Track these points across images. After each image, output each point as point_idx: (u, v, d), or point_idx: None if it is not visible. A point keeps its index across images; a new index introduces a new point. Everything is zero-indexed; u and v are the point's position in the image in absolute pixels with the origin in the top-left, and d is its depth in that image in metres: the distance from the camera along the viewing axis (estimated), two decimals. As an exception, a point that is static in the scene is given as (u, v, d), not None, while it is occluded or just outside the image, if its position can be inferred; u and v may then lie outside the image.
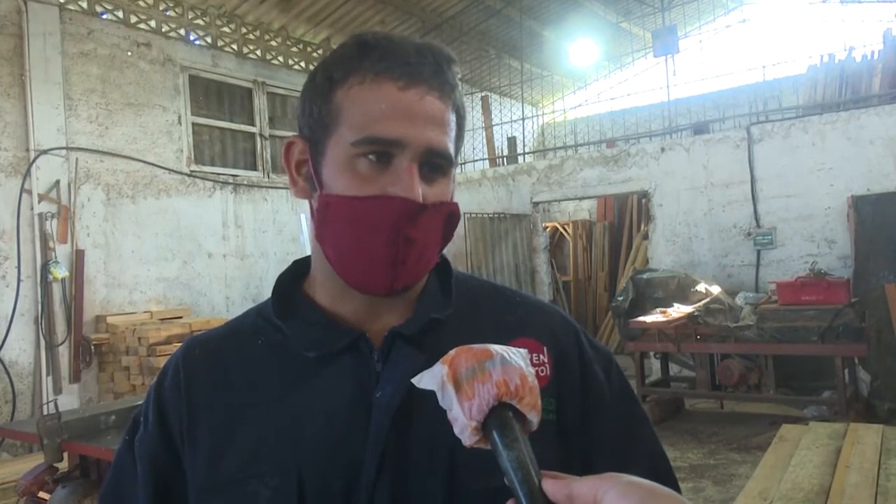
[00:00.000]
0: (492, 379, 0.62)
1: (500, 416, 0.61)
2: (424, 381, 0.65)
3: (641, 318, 6.62)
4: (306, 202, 0.87)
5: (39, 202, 6.47)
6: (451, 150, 0.83)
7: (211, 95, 8.31)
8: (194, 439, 0.83)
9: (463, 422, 0.62)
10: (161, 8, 7.78)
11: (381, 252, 0.78)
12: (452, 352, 0.65)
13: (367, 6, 9.46)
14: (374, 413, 0.78)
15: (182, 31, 7.98)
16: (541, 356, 0.86)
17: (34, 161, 6.43)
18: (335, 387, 0.81)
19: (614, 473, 0.59)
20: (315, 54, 9.49)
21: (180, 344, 0.95)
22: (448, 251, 0.91)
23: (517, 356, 0.65)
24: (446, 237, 0.84)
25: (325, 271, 0.85)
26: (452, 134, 0.83)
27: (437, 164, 0.80)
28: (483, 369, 0.62)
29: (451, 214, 0.83)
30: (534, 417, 0.63)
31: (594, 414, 0.87)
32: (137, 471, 0.87)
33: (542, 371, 0.85)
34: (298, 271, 0.93)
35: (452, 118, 0.83)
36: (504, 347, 0.66)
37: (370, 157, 0.78)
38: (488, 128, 11.02)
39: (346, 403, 0.80)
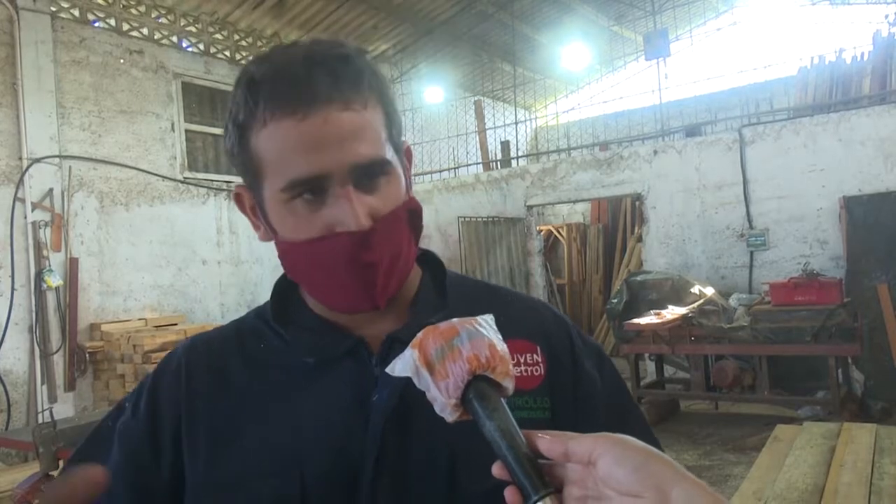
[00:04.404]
0: (462, 355, 0.63)
1: (477, 388, 0.63)
2: (398, 368, 0.66)
3: (636, 321, 6.62)
4: None
5: (33, 211, 6.46)
6: (382, 150, 0.78)
7: (204, 102, 8.31)
8: (192, 437, 0.83)
9: (442, 401, 0.63)
10: (153, 15, 7.78)
11: (348, 284, 0.78)
12: (420, 335, 0.66)
13: (360, 12, 9.48)
14: (371, 416, 0.79)
15: (174, 39, 7.99)
16: (534, 356, 0.86)
17: (27, 169, 6.42)
18: (334, 391, 0.81)
19: (610, 435, 0.59)
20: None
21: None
22: (443, 256, 0.92)
23: (483, 326, 0.66)
24: (416, 231, 0.84)
25: None
26: (379, 130, 0.78)
27: (372, 172, 0.77)
28: (452, 347, 0.64)
29: (410, 212, 0.82)
30: (508, 384, 0.64)
31: (587, 410, 0.87)
32: (114, 452, 0.85)
33: (536, 371, 0.85)
34: None
35: (371, 115, 0.78)
36: (469, 319, 0.67)
37: (304, 196, 0.76)
38: (482, 132, 11.03)
39: (346, 407, 0.80)
